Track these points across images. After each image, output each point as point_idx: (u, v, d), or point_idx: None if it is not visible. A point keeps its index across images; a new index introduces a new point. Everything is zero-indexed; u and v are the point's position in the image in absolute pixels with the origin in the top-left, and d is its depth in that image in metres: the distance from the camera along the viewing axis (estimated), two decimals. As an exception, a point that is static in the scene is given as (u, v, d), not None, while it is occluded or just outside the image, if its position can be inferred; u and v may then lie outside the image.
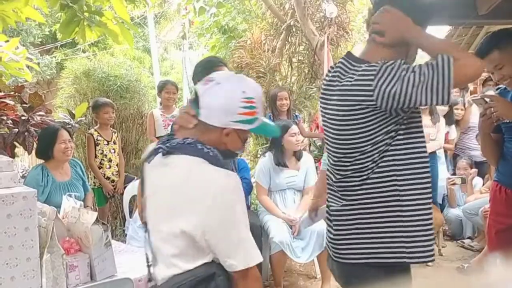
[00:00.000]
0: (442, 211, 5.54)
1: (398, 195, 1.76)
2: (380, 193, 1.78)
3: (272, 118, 5.15)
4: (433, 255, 1.86)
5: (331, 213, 1.93)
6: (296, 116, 5.46)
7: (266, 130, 1.68)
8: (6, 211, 2.02)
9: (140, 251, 3.09)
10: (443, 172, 5.47)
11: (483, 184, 5.37)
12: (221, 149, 1.57)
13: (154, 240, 1.62)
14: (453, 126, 5.68)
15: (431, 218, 1.82)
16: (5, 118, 3.65)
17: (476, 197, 5.08)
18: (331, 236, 1.93)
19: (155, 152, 1.60)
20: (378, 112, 1.70)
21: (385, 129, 1.73)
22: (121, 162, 4.98)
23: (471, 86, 6.40)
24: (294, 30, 6.79)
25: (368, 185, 1.79)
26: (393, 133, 1.74)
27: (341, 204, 1.85)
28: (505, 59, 2.45)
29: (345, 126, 1.78)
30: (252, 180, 4.45)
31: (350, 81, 1.74)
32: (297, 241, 3.87)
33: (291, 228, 3.92)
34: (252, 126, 1.56)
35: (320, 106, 1.95)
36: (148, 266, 1.62)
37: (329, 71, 1.93)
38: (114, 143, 4.91)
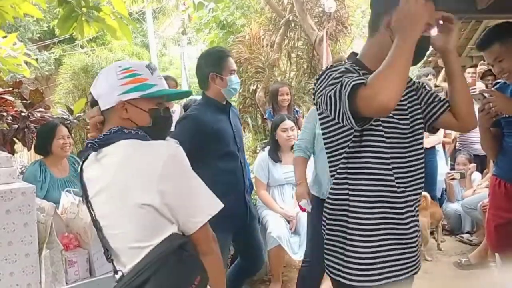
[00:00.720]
0: (441, 205, 5.55)
1: (347, 210, 1.68)
2: (333, 204, 1.74)
3: (272, 113, 5.15)
4: (374, 280, 1.67)
5: None
6: (296, 111, 5.46)
7: (169, 94, 1.67)
8: (5, 207, 2.02)
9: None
10: (442, 167, 5.48)
11: (482, 179, 5.38)
12: (144, 129, 1.58)
13: (111, 235, 1.54)
14: None
15: (380, 240, 1.67)
16: (4, 114, 3.65)
17: (475, 191, 5.09)
18: None
19: (85, 152, 1.60)
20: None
21: (338, 136, 1.70)
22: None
23: (469, 78, 6.40)
24: (293, 25, 6.77)
25: (330, 192, 1.77)
26: (348, 141, 1.67)
27: None
28: (506, 52, 2.45)
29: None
30: (252, 175, 4.45)
31: None
32: (295, 236, 3.88)
33: (289, 223, 3.93)
34: (144, 92, 1.55)
35: None
36: (111, 261, 1.55)
37: None
38: (113, 139, 4.90)
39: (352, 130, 1.63)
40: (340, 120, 1.52)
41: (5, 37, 4.60)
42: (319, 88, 1.61)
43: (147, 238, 1.45)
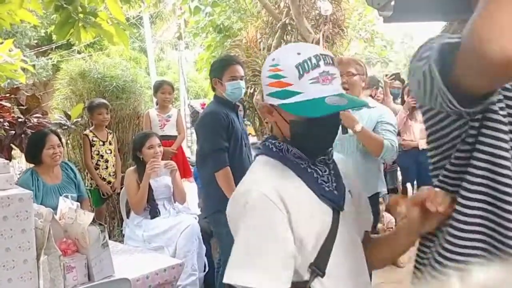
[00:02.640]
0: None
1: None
2: None
3: None
4: None
5: None
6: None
7: (308, 109, 1.18)
8: (2, 213, 2.01)
9: (137, 251, 3.10)
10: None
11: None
12: (296, 142, 1.28)
13: None
14: None
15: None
16: (1, 120, 3.65)
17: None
18: None
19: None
20: None
21: (445, 130, 1.11)
22: (117, 163, 4.97)
23: None
24: (289, 28, 6.79)
25: None
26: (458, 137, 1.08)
27: None
28: None
29: None
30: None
31: None
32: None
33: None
34: (282, 101, 1.22)
35: None
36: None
37: None
38: (110, 143, 4.91)
39: (464, 121, 1.06)
40: (438, 106, 1.00)
41: (2, 43, 4.60)
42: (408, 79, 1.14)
43: None
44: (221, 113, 3.06)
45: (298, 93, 1.19)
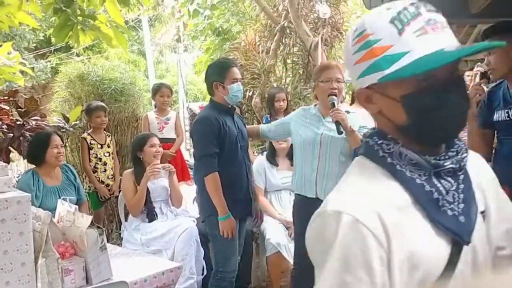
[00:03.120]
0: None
1: None
2: None
3: (270, 118, 5.17)
4: None
5: None
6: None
7: (423, 64, 0.87)
8: (0, 216, 2.01)
9: (136, 254, 3.10)
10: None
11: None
12: (414, 129, 0.95)
13: None
14: None
15: None
16: (0, 123, 3.64)
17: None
18: None
19: None
20: None
21: None
22: (116, 166, 4.97)
23: (468, 81, 6.44)
24: (288, 31, 6.79)
25: None
26: None
27: None
28: (498, 48, 2.52)
29: None
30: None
31: None
32: (294, 243, 3.87)
33: (287, 230, 3.92)
34: (384, 72, 0.92)
35: None
36: None
37: None
38: (108, 146, 4.90)
39: None
40: None
41: (1, 46, 4.60)
42: None
43: None
44: (212, 118, 3.07)
45: (403, 54, 0.89)
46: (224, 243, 3.10)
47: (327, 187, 2.97)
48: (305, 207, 3.08)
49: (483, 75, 5.50)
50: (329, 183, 2.97)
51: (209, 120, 3.07)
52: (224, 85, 3.15)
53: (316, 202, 2.99)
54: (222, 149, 3.09)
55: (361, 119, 3.07)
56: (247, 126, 3.49)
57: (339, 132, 2.87)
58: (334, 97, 2.98)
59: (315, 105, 3.24)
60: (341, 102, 3.28)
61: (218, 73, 3.19)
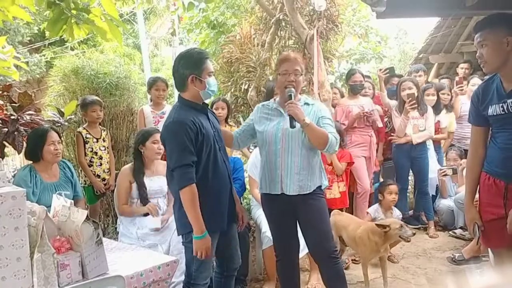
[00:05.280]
0: (434, 201, 5.59)
1: None
2: None
3: None
4: None
5: None
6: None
7: None
8: (-5, 211, 2.01)
9: (132, 249, 3.10)
10: (433, 164, 5.50)
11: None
12: None
13: None
14: (444, 114, 5.71)
15: None
16: (-6, 118, 3.63)
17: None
18: None
19: None
20: None
21: None
22: (111, 160, 4.96)
23: (462, 74, 6.45)
24: (283, 24, 6.76)
25: None
26: None
27: None
28: (490, 39, 2.56)
29: None
30: (245, 175, 4.46)
31: None
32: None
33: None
34: None
35: None
36: None
37: None
38: (104, 140, 4.90)
39: None
40: None
41: (-6, 40, 4.57)
42: None
43: None
44: (188, 122, 2.71)
45: None
46: (199, 259, 2.80)
47: (291, 181, 2.99)
48: (273, 204, 3.13)
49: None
50: (293, 177, 2.99)
51: (185, 125, 2.70)
52: (201, 79, 2.81)
53: (282, 198, 3.02)
54: (200, 157, 2.76)
55: (322, 110, 3.11)
56: (222, 129, 3.17)
57: (291, 126, 2.92)
58: (292, 88, 3.00)
59: (275, 99, 3.25)
60: (301, 94, 3.25)
61: (194, 64, 2.81)
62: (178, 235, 2.99)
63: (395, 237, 3.74)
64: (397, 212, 4.79)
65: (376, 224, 3.78)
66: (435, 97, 5.57)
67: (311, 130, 2.91)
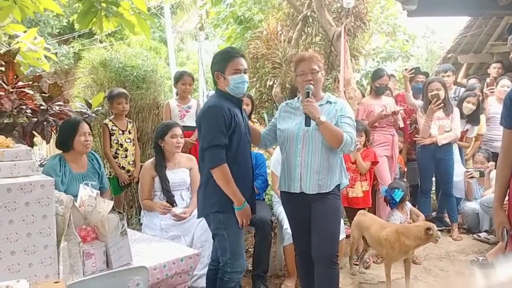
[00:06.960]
0: (458, 204, 5.50)
1: None
2: None
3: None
4: None
5: None
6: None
7: None
8: (24, 199, 2.05)
9: (155, 240, 3.13)
10: (458, 166, 5.40)
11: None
12: None
13: None
14: (475, 127, 5.63)
15: None
16: (24, 107, 3.69)
17: (494, 190, 5.02)
18: None
19: None
20: None
21: None
22: (136, 152, 5.01)
23: (495, 73, 6.31)
24: (310, 20, 6.72)
25: None
26: None
27: None
28: None
29: None
30: (268, 171, 4.46)
31: None
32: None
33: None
34: None
35: None
36: None
37: None
38: (129, 132, 4.94)
39: None
40: None
41: (26, 31, 4.65)
42: None
43: None
44: (224, 107, 2.87)
45: None
46: (232, 242, 2.94)
47: (310, 180, 2.99)
48: (292, 202, 3.15)
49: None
50: (312, 176, 2.99)
51: (221, 109, 2.86)
52: (225, 75, 2.96)
53: (301, 196, 3.02)
54: (230, 142, 2.89)
55: (343, 108, 3.08)
56: (251, 126, 3.27)
57: (306, 124, 2.92)
58: (310, 85, 3.00)
59: (298, 97, 3.24)
60: (325, 92, 3.25)
61: (219, 62, 3.01)
62: (199, 217, 3.10)
63: (433, 239, 3.66)
64: (409, 205, 4.69)
65: (427, 228, 3.66)
66: (474, 107, 5.45)
67: (325, 129, 2.90)
